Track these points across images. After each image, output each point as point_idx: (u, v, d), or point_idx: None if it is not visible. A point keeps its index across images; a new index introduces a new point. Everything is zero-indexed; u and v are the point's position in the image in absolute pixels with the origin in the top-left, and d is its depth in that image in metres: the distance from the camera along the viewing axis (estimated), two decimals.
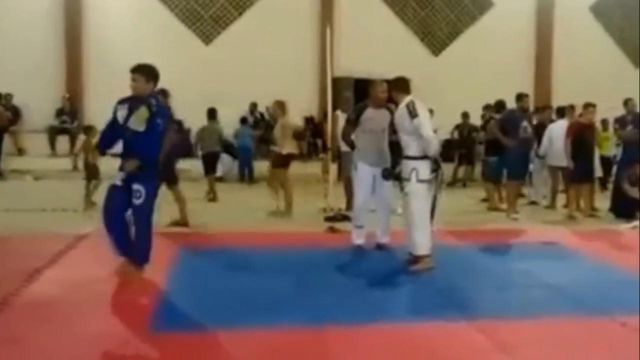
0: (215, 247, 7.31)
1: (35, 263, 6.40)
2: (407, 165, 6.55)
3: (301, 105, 17.30)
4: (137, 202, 5.97)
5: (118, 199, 6.04)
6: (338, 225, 8.81)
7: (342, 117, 9.94)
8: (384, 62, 15.63)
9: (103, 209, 6.16)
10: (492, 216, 10.30)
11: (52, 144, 16.03)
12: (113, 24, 17.17)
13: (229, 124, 15.98)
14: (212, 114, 12.56)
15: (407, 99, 6.60)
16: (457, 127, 15.17)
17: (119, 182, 6.06)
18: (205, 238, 8.14)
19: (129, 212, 6.05)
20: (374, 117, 7.42)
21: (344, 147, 9.42)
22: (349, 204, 9.36)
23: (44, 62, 16.65)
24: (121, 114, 6.06)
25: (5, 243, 7.59)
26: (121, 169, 6.06)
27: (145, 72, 6.16)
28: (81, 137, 10.81)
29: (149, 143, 6.00)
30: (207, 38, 17.88)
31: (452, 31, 19.15)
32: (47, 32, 16.88)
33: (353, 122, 7.58)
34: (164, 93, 9.15)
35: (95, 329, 4.69)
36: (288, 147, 10.05)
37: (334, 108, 10.73)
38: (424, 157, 6.49)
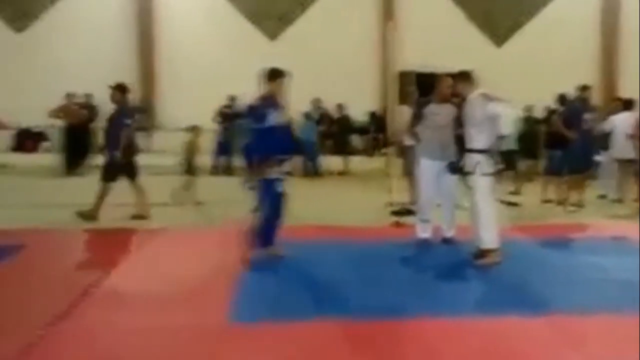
0: (285, 241, 7.35)
1: (114, 256, 6.61)
2: (471, 159, 6.47)
3: (364, 100, 17.29)
4: (282, 190, 6.48)
5: (273, 192, 6.43)
6: (403, 219, 8.75)
7: (405, 112, 9.86)
8: (446, 56, 15.41)
9: (268, 201, 6.43)
10: (557, 211, 10.04)
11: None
12: (183, 23, 17.51)
13: (294, 120, 16.12)
14: None
15: (477, 90, 6.50)
16: (521, 120, 14.82)
17: (276, 176, 6.41)
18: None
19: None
20: (439, 111, 7.34)
21: (408, 142, 9.36)
22: (414, 198, 9.28)
23: (119, 61, 17.06)
24: (274, 117, 6.40)
25: (85, 237, 7.86)
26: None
27: None
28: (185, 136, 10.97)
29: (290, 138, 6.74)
30: (272, 35, 18.01)
31: (515, 22, 18.73)
32: (121, 33, 17.32)
33: (417, 117, 7.53)
34: (122, 89, 9.28)
35: (172, 320, 4.81)
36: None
37: (400, 102, 10.65)
38: (488, 150, 6.39)
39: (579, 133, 9.88)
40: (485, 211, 6.42)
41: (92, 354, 4.21)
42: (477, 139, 6.42)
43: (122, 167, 8.87)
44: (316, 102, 16.38)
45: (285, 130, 6.64)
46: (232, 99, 15.40)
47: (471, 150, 6.47)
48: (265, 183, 6.38)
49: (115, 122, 8.98)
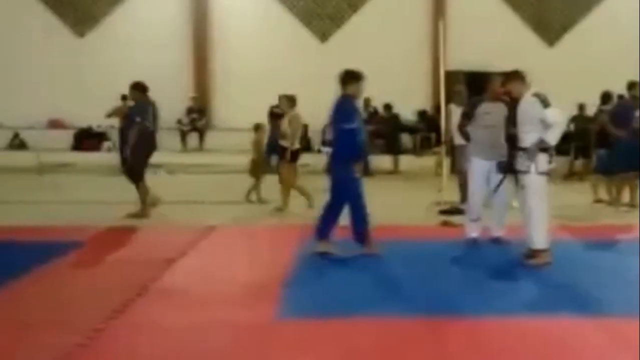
0: (335, 239, 7.40)
1: (170, 253, 6.72)
2: (524, 157, 6.37)
3: (414, 100, 17.18)
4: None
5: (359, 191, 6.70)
6: (452, 218, 8.68)
7: (455, 111, 9.77)
8: (497, 54, 15.24)
9: (355, 198, 6.64)
10: (608, 211, 9.79)
11: (183, 140, 16.73)
12: (236, 24, 17.70)
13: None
14: None
15: (532, 90, 6.41)
16: (574, 119, 14.52)
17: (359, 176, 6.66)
18: None
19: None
20: (490, 111, 7.27)
21: (458, 141, 9.27)
22: (463, 198, 9.20)
23: (175, 62, 17.37)
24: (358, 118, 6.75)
25: (142, 234, 8.03)
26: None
27: None
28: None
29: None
30: (323, 36, 18.06)
31: (567, 21, 18.32)
32: (176, 35, 17.61)
33: (469, 116, 7.47)
34: (140, 87, 9.45)
35: (224, 316, 4.88)
36: (298, 142, 9.72)
37: (447, 102, 10.56)
38: (543, 149, 6.29)
39: (628, 131, 9.61)
40: (537, 211, 6.33)
41: (147, 349, 4.30)
42: (531, 138, 6.32)
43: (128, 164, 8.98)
44: (366, 102, 16.36)
45: (361, 130, 6.83)
46: (367, 100, 15.63)
47: (525, 149, 6.37)
48: (351, 182, 6.65)
49: (128, 121, 9.09)
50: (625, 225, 8.62)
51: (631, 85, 9.93)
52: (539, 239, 6.34)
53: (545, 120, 6.20)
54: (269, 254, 6.93)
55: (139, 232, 8.08)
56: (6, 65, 16.64)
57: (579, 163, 14.19)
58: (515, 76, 6.62)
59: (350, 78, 6.68)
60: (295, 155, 9.64)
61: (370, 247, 6.74)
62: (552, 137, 6.26)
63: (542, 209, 6.35)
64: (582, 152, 13.91)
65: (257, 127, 11.03)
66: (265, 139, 10.79)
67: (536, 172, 6.29)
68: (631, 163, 9.70)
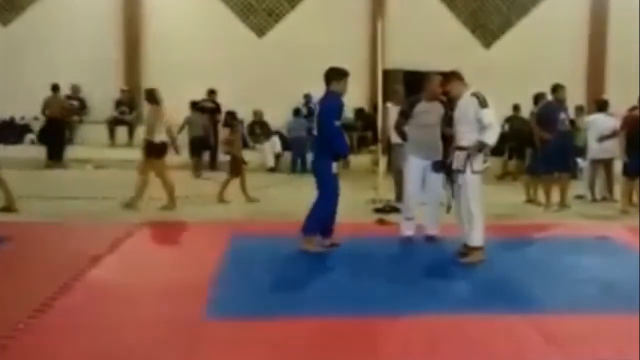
0: (264, 236, 7.39)
1: (95, 249, 6.56)
2: (461, 157, 6.48)
3: (352, 98, 17.18)
4: None
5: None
6: (388, 217, 8.77)
7: (392, 110, 9.87)
8: (435, 55, 15.50)
9: (332, 194, 6.87)
10: (539, 211, 10.08)
11: (112, 134, 16.37)
12: (170, 17, 17.41)
13: (281, 116, 16.14)
14: None
15: (470, 90, 6.52)
16: (508, 119, 14.89)
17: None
18: (255, 227, 8.19)
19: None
20: (427, 110, 7.37)
21: (395, 139, 9.38)
22: (399, 196, 9.31)
23: (105, 55, 16.97)
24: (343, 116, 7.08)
25: (67, 230, 7.82)
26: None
27: None
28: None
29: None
30: (260, 31, 17.97)
31: (503, 23, 18.79)
32: (107, 26, 17.21)
33: (406, 115, 7.55)
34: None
35: (150, 315, 4.80)
36: (161, 135, 9.46)
37: (384, 100, 10.66)
38: (479, 149, 6.41)
39: (554, 133, 9.90)
40: (474, 209, 6.45)
41: (68, 348, 4.18)
42: (468, 137, 6.44)
43: None
44: (306, 98, 16.38)
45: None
46: (307, 96, 15.55)
47: (462, 148, 6.48)
48: (331, 178, 6.85)
49: None
50: (558, 224, 8.92)
51: (555, 88, 10.23)
52: (476, 237, 6.47)
53: (481, 121, 6.33)
54: (198, 251, 6.84)
55: (62, 229, 7.85)
56: None
57: (512, 163, 14.56)
58: (454, 76, 6.73)
59: (336, 75, 6.82)
60: (161, 149, 9.43)
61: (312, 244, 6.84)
62: (490, 138, 6.38)
63: (477, 207, 6.47)
64: (517, 152, 14.27)
65: (234, 125, 10.96)
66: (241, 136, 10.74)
67: (471, 171, 6.41)
68: (555, 164, 10.00)
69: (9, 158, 14.40)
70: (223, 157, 14.71)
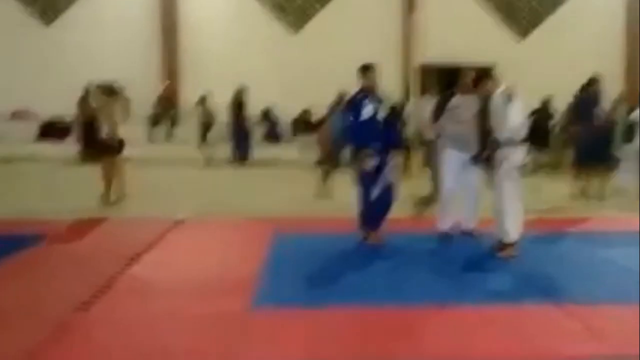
0: (309, 231, 7.41)
1: (137, 246, 6.63)
2: (498, 151, 6.38)
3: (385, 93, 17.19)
4: (391, 180, 6.85)
5: (373, 180, 6.79)
6: (424, 210, 8.69)
7: (426, 104, 9.81)
8: (468, 49, 15.35)
9: (362, 190, 6.83)
10: (577, 204, 9.91)
11: (151, 131, 16.53)
12: (205, 15, 17.53)
13: (317, 112, 16.13)
14: None
15: (501, 87, 6.44)
16: (534, 112, 14.64)
17: (373, 164, 6.71)
18: (300, 222, 8.19)
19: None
20: (462, 104, 7.28)
21: (429, 134, 9.29)
22: (435, 190, 9.22)
23: (143, 54, 17.16)
24: (368, 110, 6.74)
25: (109, 226, 7.91)
26: (372, 155, 6.72)
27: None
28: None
29: (395, 130, 7.03)
30: (294, 28, 17.98)
31: (536, 15, 18.53)
32: (145, 26, 17.43)
33: (440, 109, 7.47)
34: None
35: (194, 309, 4.82)
36: (112, 131, 9.41)
37: (419, 95, 10.58)
38: (516, 142, 6.32)
39: (590, 126, 9.71)
40: (511, 204, 6.36)
41: (114, 341, 4.23)
42: (503, 132, 6.34)
43: None
44: (341, 95, 16.34)
45: (378, 122, 6.80)
46: (341, 93, 15.54)
47: (499, 143, 6.38)
48: (362, 173, 6.80)
49: None
50: (596, 218, 8.74)
51: (591, 81, 10.02)
52: (511, 232, 6.38)
53: (507, 116, 6.23)
54: (240, 246, 6.87)
55: (106, 225, 7.94)
56: None
57: (543, 157, 14.31)
58: (485, 75, 6.67)
59: (361, 70, 6.90)
60: (111, 146, 9.39)
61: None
62: (505, 132, 6.29)
63: (514, 202, 6.38)
64: (542, 146, 14.00)
65: (321, 121, 10.94)
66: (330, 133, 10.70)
67: (510, 165, 6.31)
68: (593, 157, 9.81)
69: (53, 155, 14.82)
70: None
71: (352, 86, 7.24)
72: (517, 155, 6.34)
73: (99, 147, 9.32)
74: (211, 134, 15.19)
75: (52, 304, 4.89)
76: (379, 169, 6.78)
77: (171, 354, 3.95)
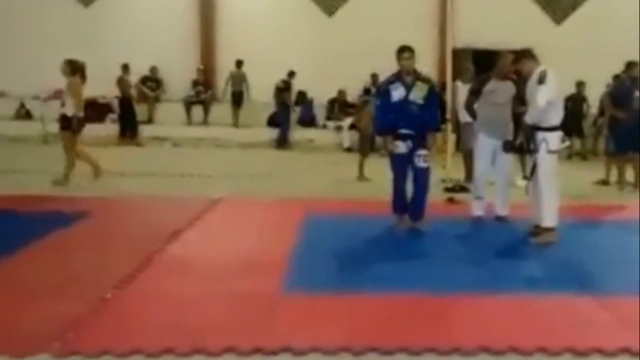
0: (338, 215, 7.41)
1: (176, 224, 6.72)
2: (536, 136, 6.31)
3: None
4: (424, 165, 6.60)
5: (404, 165, 6.66)
6: (457, 196, 8.66)
7: (461, 89, 9.72)
8: (505, 33, 15.09)
9: (393, 174, 6.74)
10: (611, 191, 9.74)
11: (188, 113, 16.67)
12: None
13: (352, 95, 16.11)
14: None
15: (539, 68, 6.33)
16: (568, 98, 14.37)
17: (404, 150, 6.58)
18: (335, 205, 8.19)
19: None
20: (498, 88, 7.22)
21: (464, 118, 9.24)
22: (468, 175, 9.18)
23: (182, 36, 17.21)
24: (398, 93, 6.60)
25: (147, 205, 8.02)
26: (403, 139, 6.57)
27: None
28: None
29: (431, 113, 6.68)
30: (329, 10, 17.87)
31: None
32: (182, 7, 17.43)
33: (476, 93, 7.41)
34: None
35: (228, 288, 4.88)
36: (73, 108, 9.17)
37: (454, 79, 10.48)
38: (553, 127, 6.24)
39: (627, 112, 9.51)
40: (548, 189, 6.28)
41: (152, 317, 4.32)
42: (540, 115, 6.26)
43: None
44: (374, 77, 16.28)
45: (411, 105, 6.63)
46: (374, 75, 15.59)
47: (537, 128, 6.30)
48: (391, 156, 6.71)
49: None
50: (632, 206, 8.59)
51: (629, 66, 9.79)
52: (549, 217, 6.30)
53: (534, 97, 6.14)
54: (275, 227, 6.93)
55: (144, 204, 8.07)
56: (11, 35, 16.51)
57: (577, 142, 14.10)
58: (526, 54, 6.53)
59: (396, 53, 6.71)
60: (78, 124, 9.24)
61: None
62: (531, 117, 6.20)
63: (552, 187, 6.31)
64: (575, 131, 13.78)
65: (365, 103, 10.87)
66: (371, 114, 10.67)
67: (547, 150, 6.24)
68: (629, 144, 9.62)
69: (91, 136, 15.03)
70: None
71: (385, 69, 7.20)
72: (553, 140, 6.26)
73: (65, 124, 9.22)
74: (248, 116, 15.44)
75: (92, 280, 4.99)
76: (411, 153, 6.65)
77: (204, 332, 4.00)
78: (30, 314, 4.24)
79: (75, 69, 9.28)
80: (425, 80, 6.77)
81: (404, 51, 6.64)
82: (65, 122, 9.20)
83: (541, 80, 6.14)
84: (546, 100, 6.09)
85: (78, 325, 4.06)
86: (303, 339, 3.88)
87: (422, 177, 6.70)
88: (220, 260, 5.62)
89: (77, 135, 9.32)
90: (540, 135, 6.25)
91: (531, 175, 6.41)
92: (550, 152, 6.24)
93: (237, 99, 16.40)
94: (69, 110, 9.14)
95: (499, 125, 7.12)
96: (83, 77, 9.35)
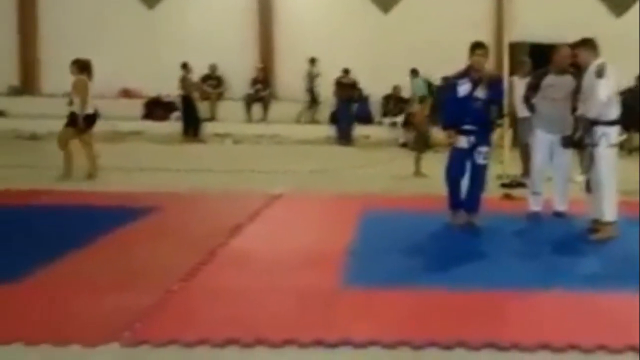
0: (395, 210, 7.40)
1: (237, 219, 6.82)
2: (596, 130, 6.14)
3: None
4: (483, 162, 6.60)
5: (464, 160, 6.60)
6: (514, 192, 8.51)
7: (519, 83, 9.54)
8: (563, 26, 14.71)
9: (449, 168, 6.69)
10: None
11: (248, 110, 16.85)
12: None
13: (407, 92, 16.02)
14: None
15: (598, 61, 6.16)
16: (625, 92, 13.86)
17: (465, 145, 6.55)
18: (385, 201, 8.19)
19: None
20: (556, 83, 7.05)
21: (521, 113, 9.07)
22: (525, 171, 9.01)
23: (241, 34, 17.41)
24: (464, 88, 6.56)
25: (210, 201, 8.14)
26: (466, 134, 6.54)
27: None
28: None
29: (490, 110, 6.72)
30: (385, 7, 17.78)
31: None
32: (241, 6, 17.62)
33: (534, 88, 7.28)
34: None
35: (288, 281, 4.93)
36: (80, 106, 9.31)
37: (511, 73, 10.29)
38: (613, 122, 6.08)
39: None
40: (608, 183, 6.13)
41: (217, 310, 4.40)
42: (598, 109, 6.10)
43: None
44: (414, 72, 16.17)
45: (477, 101, 6.57)
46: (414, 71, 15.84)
47: (596, 122, 6.13)
48: (453, 151, 6.66)
49: None
50: None
51: None
52: (609, 211, 6.15)
53: (595, 92, 5.98)
54: (333, 222, 6.96)
55: (207, 199, 8.20)
56: (79, 36, 16.95)
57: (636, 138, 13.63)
58: (585, 43, 6.35)
59: (469, 49, 6.66)
60: (85, 121, 9.37)
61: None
62: (591, 112, 6.05)
63: (612, 181, 6.16)
64: (636, 126, 13.29)
65: (421, 100, 10.84)
66: (426, 111, 10.65)
67: (606, 144, 6.07)
68: None
69: (157, 133, 15.40)
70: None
71: (441, 67, 7.16)
72: (613, 135, 6.09)
73: (69, 121, 9.41)
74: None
75: (159, 273, 5.11)
76: (472, 149, 6.58)
77: (266, 324, 4.05)
78: (101, 305, 4.38)
79: (82, 67, 9.47)
80: (493, 77, 6.80)
81: (478, 47, 6.59)
82: (73, 120, 9.40)
83: (600, 74, 5.98)
84: (607, 95, 5.93)
85: (146, 316, 4.17)
86: (362, 332, 3.90)
87: (479, 174, 6.65)
88: (281, 254, 5.68)
89: (88, 132, 9.54)
90: (600, 129, 6.09)
91: (588, 170, 6.25)
92: (610, 146, 6.08)
93: (314, 97, 16.54)
94: (77, 108, 9.34)
95: (557, 121, 6.96)
96: (89, 76, 9.51)
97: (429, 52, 15.81)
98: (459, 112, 6.58)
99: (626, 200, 7.56)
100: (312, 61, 16.45)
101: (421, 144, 10.40)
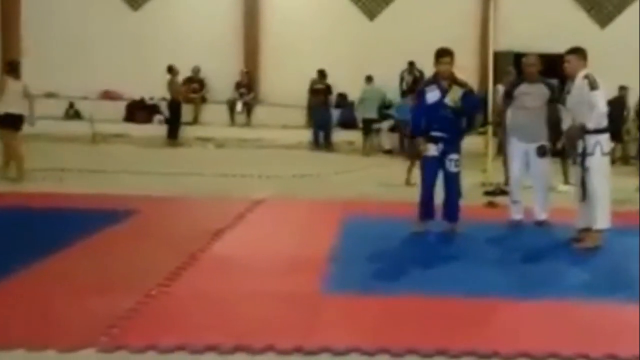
0: (376, 217, 7.40)
1: (219, 223, 6.79)
2: (589, 139, 6.18)
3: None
4: (455, 169, 6.56)
5: (435, 168, 6.58)
6: (497, 199, 8.56)
7: (500, 92, 9.64)
8: (548, 36, 14.87)
9: (421, 176, 6.71)
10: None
11: (232, 114, 16.82)
12: (286, 2, 17.60)
13: (392, 98, 16.06)
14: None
15: (584, 71, 6.23)
16: (610, 102, 14.01)
17: (435, 153, 6.52)
18: (367, 207, 8.19)
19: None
20: (529, 92, 7.11)
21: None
22: (508, 179, 9.06)
23: (225, 38, 17.38)
24: (432, 95, 6.55)
25: (192, 205, 8.12)
26: (435, 141, 6.51)
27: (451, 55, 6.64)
28: None
29: (460, 118, 6.68)
30: (371, 14, 17.84)
31: (621, 2, 17.72)
32: (226, 11, 17.60)
33: (508, 97, 7.36)
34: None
35: (269, 287, 4.92)
36: (5, 107, 9.38)
37: (495, 82, 10.38)
38: (605, 130, 6.15)
39: None
40: (600, 191, 6.18)
41: (196, 315, 4.37)
42: (592, 118, 6.15)
43: None
44: (410, 65, 16.21)
45: (446, 109, 6.55)
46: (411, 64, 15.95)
47: (588, 131, 6.18)
48: (423, 160, 6.66)
49: None
50: None
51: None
52: (602, 219, 6.20)
53: (592, 103, 6.05)
54: (315, 228, 6.95)
55: (188, 203, 8.17)
56: (62, 37, 16.84)
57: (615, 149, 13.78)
58: (577, 51, 6.40)
59: (434, 56, 6.65)
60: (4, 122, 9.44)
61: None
62: (594, 122, 6.10)
63: (606, 189, 6.23)
64: (617, 136, 13.44)
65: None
66: None
67: (601, 153, 6.14)
68: None
69: (139, 136, 15.33)
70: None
71: (426, 74, 7.20)
72: (606, 143, 6.18)
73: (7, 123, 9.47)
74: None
75: (138, 276, 5.06)
76: (443, 157, 6.57)
77: (246, 330, 4.03)
78: (78, 309, 4.33)
79: (11, 68, 9.83)
80: (462, 84, 6.68)
81: (443, 55, 6.58)
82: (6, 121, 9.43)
83: (594, 85, 6.07)
84: (604, 105, 6.08)
85: (124, 321, 4.13)
86: (342, 339, 3.89)
87: (452, 182, 6.65)
88: (262, 259, 5.66)
89: (11, 133, 9.57)
90: (593, 138, 6.15)
91: (581, 179, 6.29)
92: (604, 154, 6.17)
93: (368, 126, 15.57)
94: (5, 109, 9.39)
95: (530, 129, 6.99)
96: (16, 75, 9.79)
97: (414, 59, 15.88)
98: (428, 119, 6.57)
99: (614, 210, 7.67)
100: (369, 79, 16.05)
101: (414, 154, 10.36)
